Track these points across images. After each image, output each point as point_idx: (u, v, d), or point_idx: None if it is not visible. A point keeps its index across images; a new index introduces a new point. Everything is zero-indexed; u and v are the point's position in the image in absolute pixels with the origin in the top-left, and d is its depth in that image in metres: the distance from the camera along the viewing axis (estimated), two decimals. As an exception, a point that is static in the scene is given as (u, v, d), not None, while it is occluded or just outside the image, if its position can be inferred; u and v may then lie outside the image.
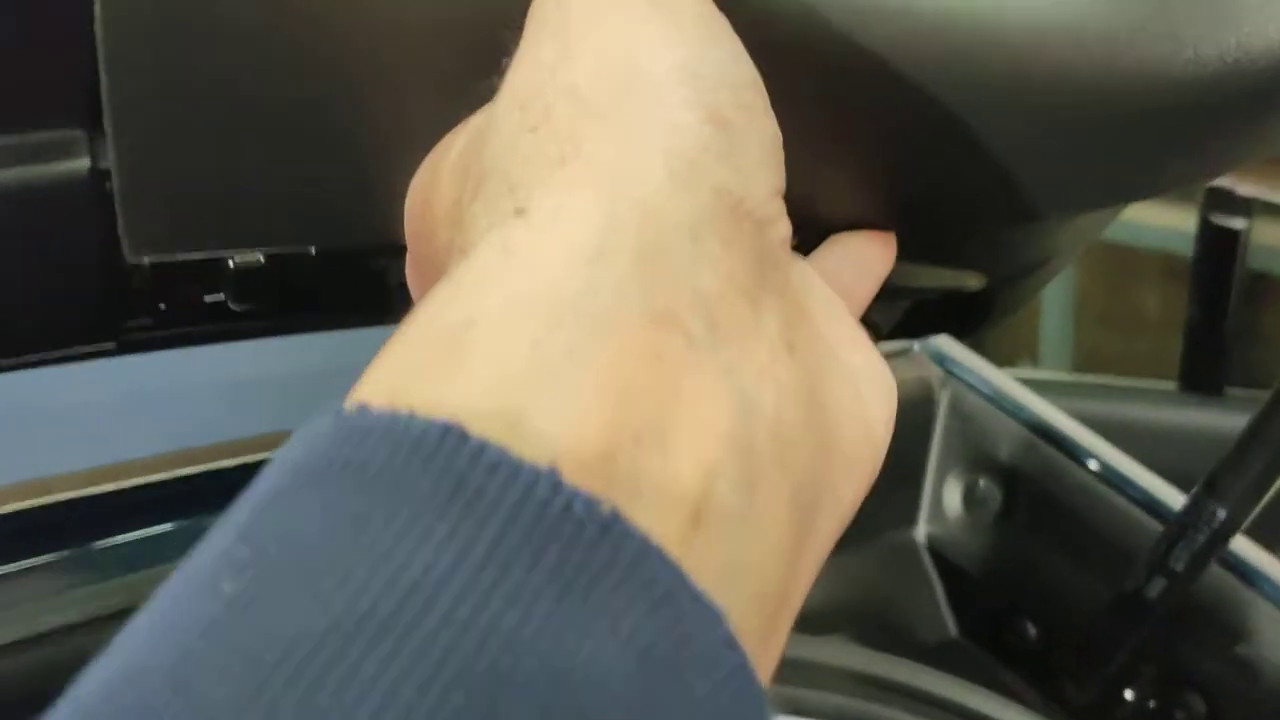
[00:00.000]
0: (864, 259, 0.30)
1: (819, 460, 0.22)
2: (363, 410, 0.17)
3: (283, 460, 0.18)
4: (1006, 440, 0.71)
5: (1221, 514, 0.57)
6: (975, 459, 0.72)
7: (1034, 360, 1.57)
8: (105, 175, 0.38)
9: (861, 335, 0.25)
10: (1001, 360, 0.87)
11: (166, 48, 0.27)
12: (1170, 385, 1.17)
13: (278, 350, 0.56)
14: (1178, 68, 0.28)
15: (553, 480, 0.17)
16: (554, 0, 0.23)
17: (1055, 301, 1.50)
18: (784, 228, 0.22)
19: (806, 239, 0.30)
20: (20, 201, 0.38)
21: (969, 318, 0.60)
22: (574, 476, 0.17)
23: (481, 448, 0.17)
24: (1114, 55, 0.27)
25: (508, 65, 0.24)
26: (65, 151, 0.38)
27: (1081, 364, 1.55)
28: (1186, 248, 1.17)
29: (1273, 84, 0.29)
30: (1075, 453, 0.69)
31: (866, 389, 0.24)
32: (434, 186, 0.26)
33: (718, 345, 0.20)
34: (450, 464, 0.16)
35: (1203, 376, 1.14)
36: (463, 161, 0.25)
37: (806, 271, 0.26)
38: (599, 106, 0.21)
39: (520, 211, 0.20)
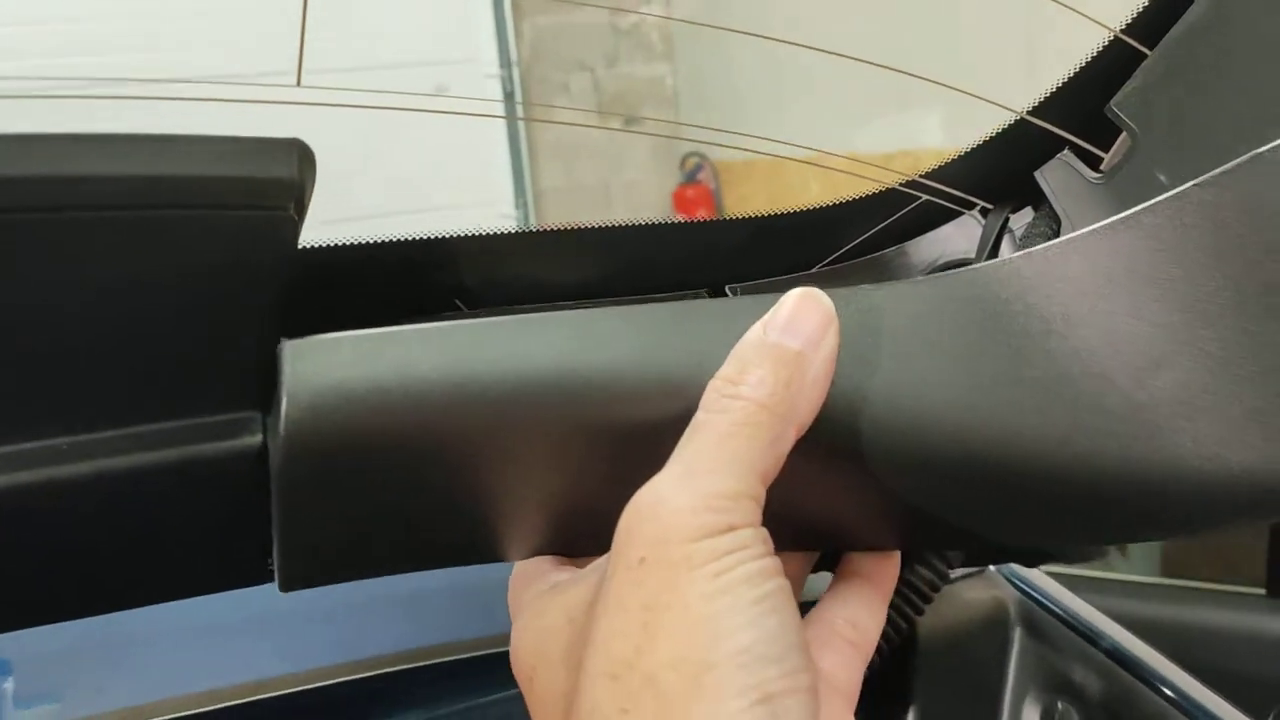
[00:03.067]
0: (871, 601, 0.39)
1: None
2: None
3: None
4: (1082, 664, 0.74)
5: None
6: (1053, 681, 0.75)
7: (1124, 555, 1.56)
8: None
9: None
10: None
11: (333, 484, 0.38)
12: (1258, 590, 1.17)
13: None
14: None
15: None
16: (640, 539, 0.31)
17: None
18: None
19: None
20: (205, 470, 0.45)
21: (1036, 557, 0.64)
22: None
23: None
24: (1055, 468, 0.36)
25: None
26: (243, 429, 0.45)
27: (1170, 563, 1.54)
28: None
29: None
30: (1150, 679, 0.71)
31: None
32: (535, 670, 0.35)
33: None
34: None
35: (1290, 585, 1.14)
36: (565, 675, 0.33)
37: None
38: (675, 700, 0.28)
39: None
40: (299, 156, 0.40)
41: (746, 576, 0.30)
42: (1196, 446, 0.34)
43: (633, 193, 3.42)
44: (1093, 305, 0.35)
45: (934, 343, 0.36)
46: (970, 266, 0.40)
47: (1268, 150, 0.33)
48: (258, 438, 0.47)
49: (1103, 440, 0.35)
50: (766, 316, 0.35)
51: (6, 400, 0.42)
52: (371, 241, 0.47)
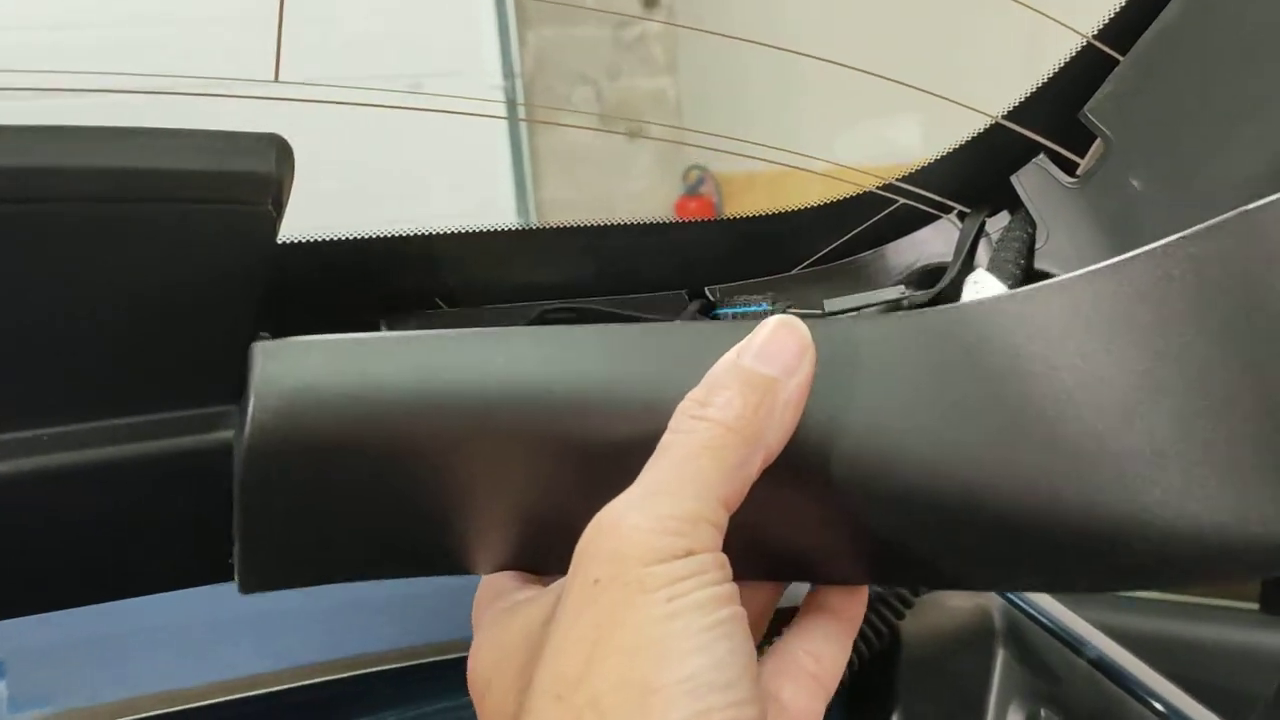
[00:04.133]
0: (836, 635, 0.39)
1: None
2: None
3: None
4: (1067, 674, 0.74)
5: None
6: (1037, 690, 0.74)
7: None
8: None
9: None
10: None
11: (296, 487, 0.38)
12: (1252, 605, 1.17)
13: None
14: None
15: None
16: (598, 558, 0.31)
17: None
18: None
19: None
20: (182, 464, 0.46)
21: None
22: None
23: None
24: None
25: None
26: (220, 423, 0.46)
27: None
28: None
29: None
30: (1136, 690, 0.71)
31: None
32: (489, 685, 0.35)
33: None
34: None
35: (1281, 600, 1.13)
36: (516, 694, 0.33)
37: None
38: None
39: None
40: (277, 151, 0.40)
41: (700, 603, 0.29)
42: (1165, 497, 0.34)
43: (635, 204, 3.43)
44: (1070, 350, 0.35)
45: (911, 378, 0.36)
46: (952, 305, 0.40)
47: (1255, 208, 0.33)
48: (233, 432, 0.47)
49: (1072, 484, 0.34)
50: (742, 342, 0.35)
51: None
52: (352, 238, 0.48)
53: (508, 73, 3.31)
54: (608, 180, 3.39)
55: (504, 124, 3.31)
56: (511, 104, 3.32)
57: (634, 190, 3.44)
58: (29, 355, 0.42)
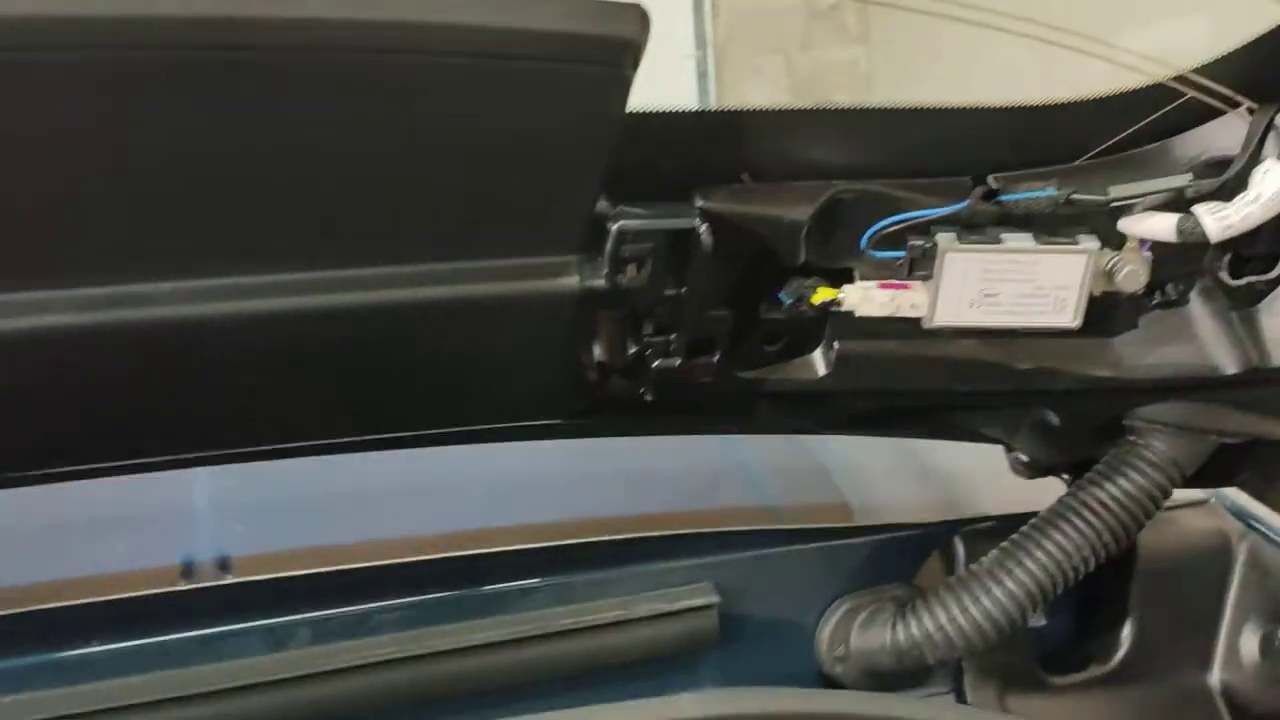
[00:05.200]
0: None
1: None
2: None
3: None
4: (1306, 593, 0.74)
5: None
6: (1274, 609, 0.75)
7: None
8: (589, 291, 0.51)
9: None
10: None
11: None
12: None
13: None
14: None
15: None
16: None
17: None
18: None
19: None
20: (523, 307, 0.51)
21: (1272, 467, 0.65)
22: None
23: None
24: None
25: None
26: (561, 272, 0.51)
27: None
28: None
29: None
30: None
31: None
32: None
33: None
34: None
35: None
36: None
37: None
38: None
39: None
40: (641, 19, 0.45)
41: None
42: None
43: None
44: None
45: None
46: None
47: None
48: (574, 280, 0.52)
49: None
50: None
51: (353, 229, 0.48)
52: (667, 110, 0.52)
53: (700, 43, 3.35)
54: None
55: (694, 92, 3.34)
56: (704, 81, 3.34)
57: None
58: (399, 198, 0.48)
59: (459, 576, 0.67)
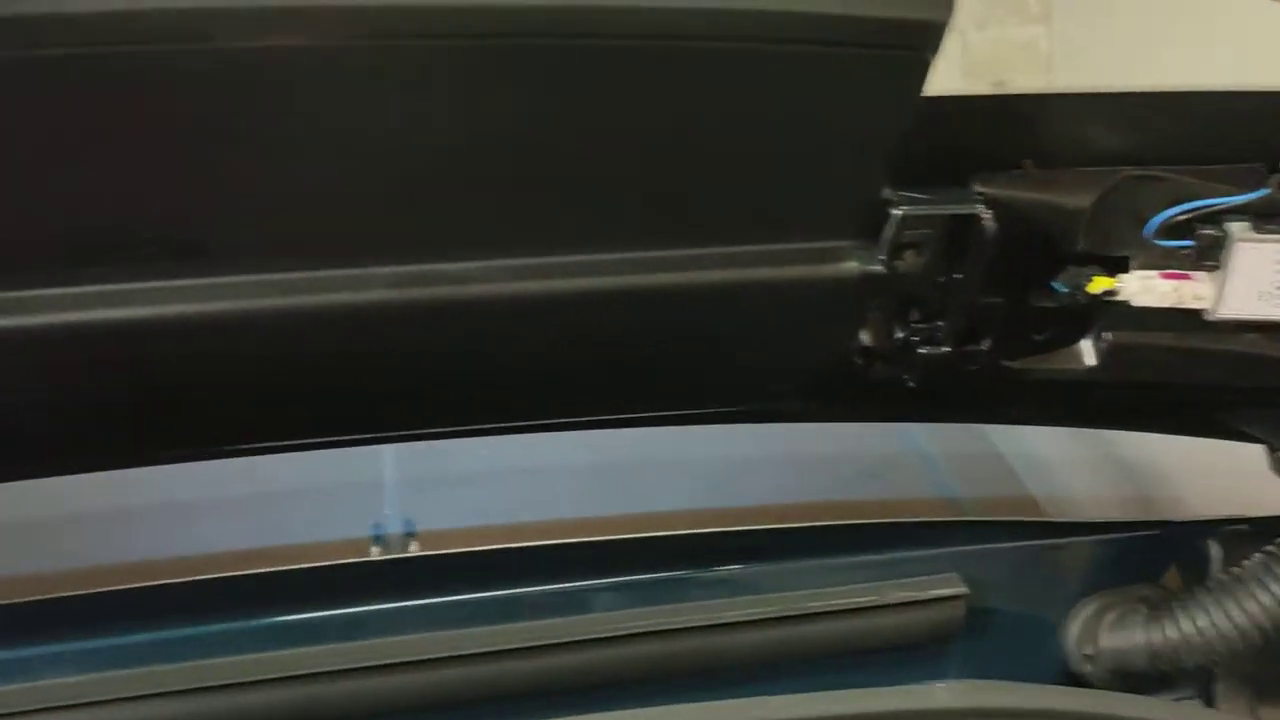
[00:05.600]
0: None
1: None
2: None
3: None
4: None
5: None
6: None
7: None
8: (868, 276, 0.51)
9: None
10: None
11: None
12: None
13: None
14: None
15: None
16: None
17: None
18: None
19: None
20: (800, 291, 0.51)
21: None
22: None
23: None
24: None
25: None
26: (839, 257, 0.51)
27: None
28: None
29: None
30: None
31: None
32: None
33: None
34: None
35: None
36: None
37: None
38: None
39: None
40: (945, 2, 0.44)
41: None
42: None
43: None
44: None
45: None
46: None
47: None
48: (853, 265, 0.52)
49: None
50: None
51: (648, 213, 0.48)
52: (973, 95, 0.51)
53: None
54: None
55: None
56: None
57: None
58: (694, 182, 0.48)
59: (697, 555, 0.68)
